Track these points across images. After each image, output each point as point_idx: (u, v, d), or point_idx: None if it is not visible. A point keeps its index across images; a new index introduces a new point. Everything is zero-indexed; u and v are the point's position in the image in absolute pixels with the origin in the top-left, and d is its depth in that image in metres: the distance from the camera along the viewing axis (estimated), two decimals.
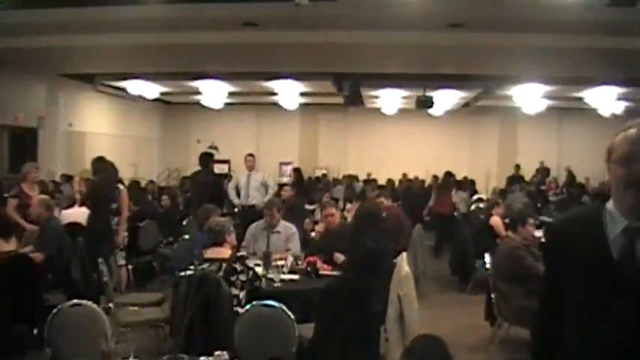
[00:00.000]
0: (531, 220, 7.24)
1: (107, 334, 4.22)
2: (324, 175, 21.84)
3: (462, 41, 11.09)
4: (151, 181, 16.82)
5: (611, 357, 2.22)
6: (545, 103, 18.38)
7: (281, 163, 23.41)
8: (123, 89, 17.93)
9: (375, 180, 19.11)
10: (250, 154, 12.44)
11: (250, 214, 10.94)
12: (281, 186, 14.28)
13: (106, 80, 17.39)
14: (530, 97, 17.63)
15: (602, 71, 14.04)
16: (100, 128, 18.56)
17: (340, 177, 21.60)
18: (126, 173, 13.14)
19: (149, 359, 3.64)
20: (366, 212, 6.60)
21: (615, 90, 16.74)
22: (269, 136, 23.60)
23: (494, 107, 21.76)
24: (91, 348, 3.57)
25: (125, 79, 16.74)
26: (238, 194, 12.06)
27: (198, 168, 11.87)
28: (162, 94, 19.46)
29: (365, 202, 7.86)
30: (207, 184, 11.18)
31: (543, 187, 18.98)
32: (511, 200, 13.61)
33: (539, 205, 15.44)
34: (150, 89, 17.71)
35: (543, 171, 21.64)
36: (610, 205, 2.32)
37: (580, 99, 18.32)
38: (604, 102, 17.85)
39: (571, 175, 20.99)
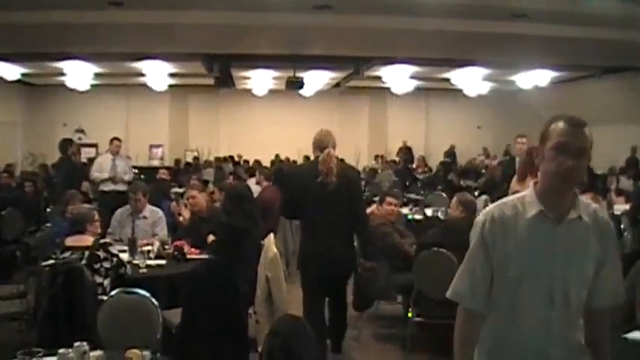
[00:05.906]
0: (389, 199, 7.47)
1: None
2: (196, 158, 21.59)
3: (330, 23, 11.23)
4: None
5: None
6: (413, 84, 18.84)
7: (151, 146, 23.04)
8: None
9: (247, 161, 19.10)
10: (117, 138, 11.88)
11: (120, 199, 10.65)
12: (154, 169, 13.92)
13: None
14: (398, 77, 18.04)
15: (468, 53, 14.51)
16: None
17: (212, 159, 21.41)
18: None
19: (8, 354, 3.49)
20: (235, 192, 6.59)
21: (481, 71, 17.36)
22: (139, 118, 23.08)
23: (364, 88, 22.16)
24: None
25: None
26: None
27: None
28: (24, 75, 18.61)
29: (235, 183, 7.81)
30: (71, 170, 10.78)
31: (412, 166, 19.53)
32: (380, 179, 13.94)
33: (407, 183, 15.87)
34: (10, 70, 16.93)
35: (406, 150, 22.22)
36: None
37: (447, 80, 18.88)
38: (470, 83, 18.50)
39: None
